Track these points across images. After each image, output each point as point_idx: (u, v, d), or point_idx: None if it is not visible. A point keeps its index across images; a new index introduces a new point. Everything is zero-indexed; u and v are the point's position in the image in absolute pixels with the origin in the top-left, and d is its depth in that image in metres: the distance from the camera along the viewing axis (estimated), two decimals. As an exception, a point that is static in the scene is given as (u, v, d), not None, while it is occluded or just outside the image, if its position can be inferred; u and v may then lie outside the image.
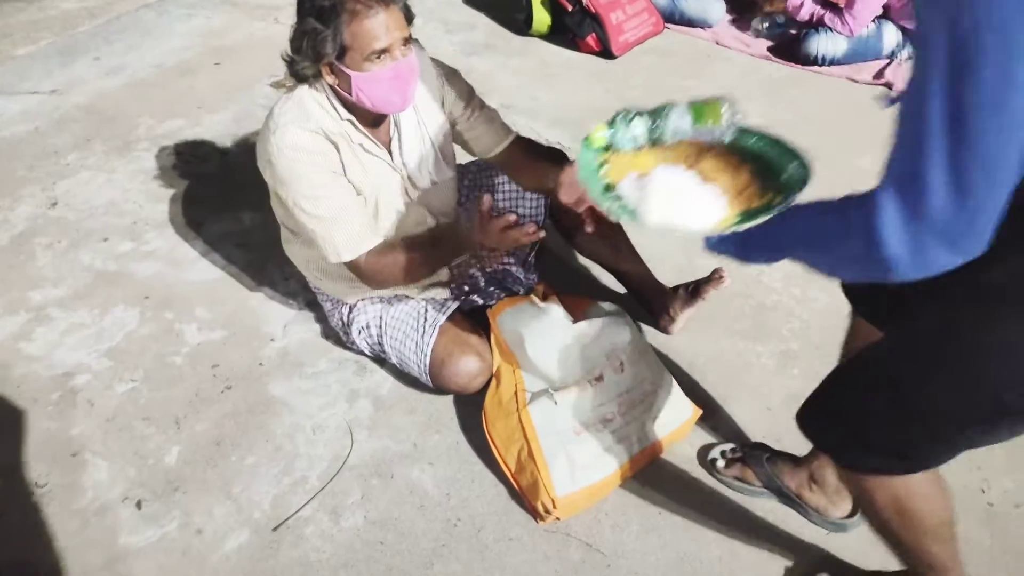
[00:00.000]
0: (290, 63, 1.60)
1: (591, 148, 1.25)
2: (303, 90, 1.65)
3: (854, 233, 0.85)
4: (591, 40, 3.42)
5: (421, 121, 1.78)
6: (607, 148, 1.26)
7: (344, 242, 1.68)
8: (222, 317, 2.18)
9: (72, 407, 1.93)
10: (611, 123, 1.26)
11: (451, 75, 1.83)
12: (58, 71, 3.24)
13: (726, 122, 1.23)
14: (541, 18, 3.51)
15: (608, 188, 1.19)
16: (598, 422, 1.73)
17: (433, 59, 1.81)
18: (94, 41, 3.47)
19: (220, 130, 2.91)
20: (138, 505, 1.72)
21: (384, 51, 1.53)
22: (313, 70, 1.58)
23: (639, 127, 1.26)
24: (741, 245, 1.07)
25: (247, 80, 3.19)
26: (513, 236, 1.53)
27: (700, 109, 1.24)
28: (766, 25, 3.55)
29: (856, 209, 0.85)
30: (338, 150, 1.67)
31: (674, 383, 1.84)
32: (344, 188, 1.68)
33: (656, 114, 1.26)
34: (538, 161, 1.85)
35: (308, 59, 1.56)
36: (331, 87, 1.62)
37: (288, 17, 3.77)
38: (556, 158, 1.89)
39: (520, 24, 3.61)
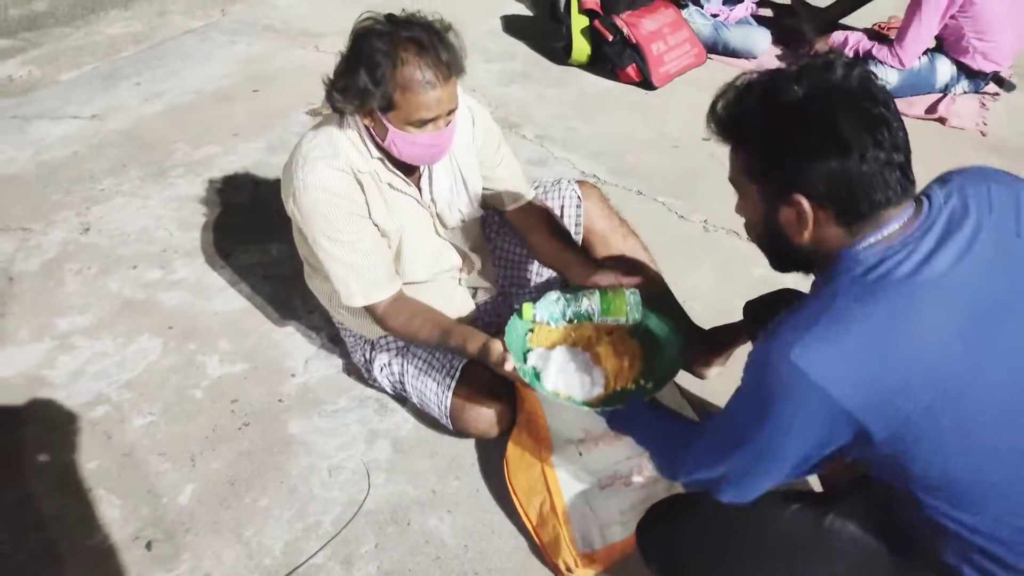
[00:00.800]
0: (329, 94, 1.54)
1: (521, 319, 1.58)
2: (334, 123, 1.61)
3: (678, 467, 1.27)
4: (631, 70, 3.36)
5: (453, 158, 1.73)
6: (534, 320, 1.57)
7: (358, 289, 1.66)
8: (244, 350, 2.14)
9: (90, 440, 1.90)
10: (536, 302, 1.56)
11: (480, 115, 1.78)
12: (99, 96, 3.28)
13: (629, 313, 1.53)
14: (581, 47, 3.46)
15: (527, 352, 1.57)
16: (625, 476, 1.64)
17: (465, 94, 1.75)
18: (136, 67, 3.51)
19: (254, 158, 2.90)
20: (148, 546, 1.67)
21: (430, 121, 1.49)
22: (351, 110, 1.54)
23: (558, 307, 1.56)
24: (620, 427, 1.47)
25: (284, 108, 3.19)
26: (512, 376, 1.53)
27: (609, 300, 1.54)
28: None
29: (683, 455, 1.26)
30: (363, 190, 1.63)
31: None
32: (366, 232, 1.64)
33: (575, 298, 1.55)
34: (548, 237, 1.83)
35: (350, 103, 1.50)
36: (365, 127, 1.58)
37: (329, 45, 3.80)
38: (565, 238, 1.84)
39: (559, 53, 3.57)
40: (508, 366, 1.48)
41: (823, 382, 0.97)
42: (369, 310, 1.69)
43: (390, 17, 1.49)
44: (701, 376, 2.01)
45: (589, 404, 1.49)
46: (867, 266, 1.01)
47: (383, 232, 1.68)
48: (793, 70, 1.04)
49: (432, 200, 1.73)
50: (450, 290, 1.87)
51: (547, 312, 1.56)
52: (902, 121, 1.02)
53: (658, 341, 1.61)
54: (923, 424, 0.98)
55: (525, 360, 1.56)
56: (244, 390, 2.03)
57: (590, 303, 1.54)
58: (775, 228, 1.09)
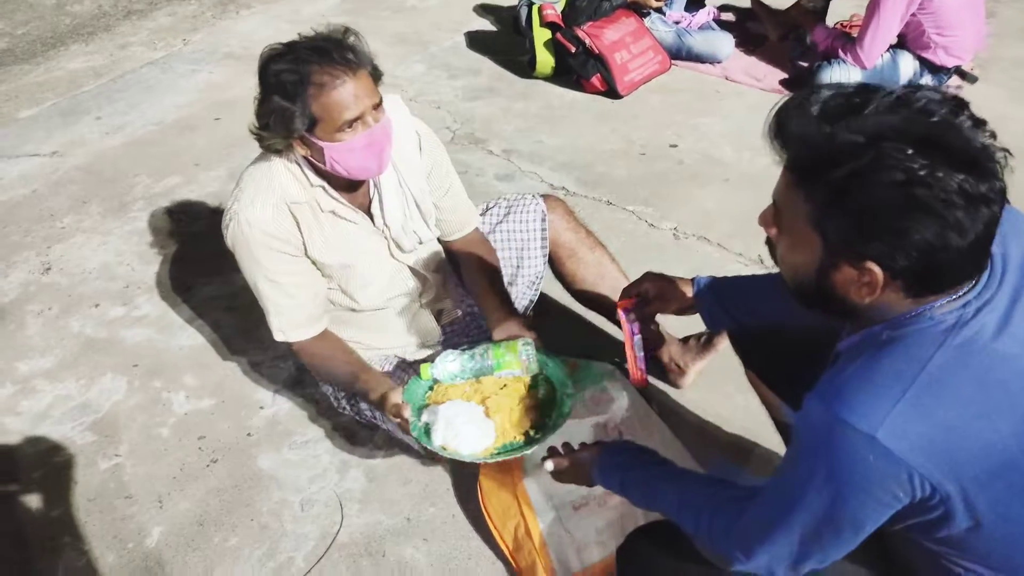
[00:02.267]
0: (259, 139, 1.52)
1: (420, 379, 1.59)
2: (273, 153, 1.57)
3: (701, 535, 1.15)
4: (596, 80, 3.34)
5: (402, 180, 1.69)
6: (433, 380, 1.59)
7: (278, 325, 1.68)
8: (211, 384, 2.09)
9: (54, 487, 1.85)
10: (435, 361, 1.58)
11: (428, 140, 1.75)
12: (59, 132, 3.23)
13: (523, 366, 1.55)
14: (545, 60, 3.45)
15: (422, 408, 1.57)
16: (599, 496, 1.60)
17: (411, 115, 1.73)
18: (96, 101, 3.46)
19: (216, 187, 2.87)
20: (114, 595, 1.62)
21: (356, 120, 1.47)
22: (284, 144, 1.51)
23: (456, 365, 1.57)
24: (621, 490, 1.31)
25: (246, 135, 3.08)
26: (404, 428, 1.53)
27: (501, 354, 1.56)
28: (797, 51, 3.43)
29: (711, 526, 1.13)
30: (299, 225, 1.60)
31: (680, 446, 1.71)
32: (293, 273, 1.63)
33: (471, 356, 1.57)
34: (478, 274, 1.81)
35: (278, 135, 1.48)
36: (303, 157, 1.55)
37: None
38: (494, 281, 1.81)
39: (524, 67, 3.55)
40: (405, 412, 1.49)
41: (920, 466, 0.87)
42: (288, 344, 1.71)
43: (288, 43, 1.47)
44: (677, 385, 1.99)
45: (474, 459, 1.49)
46: (946, 325, 0.91)
47: (320, 266, 1.66)
48: (902, 122, 0.84)
49: (386, 224, 1.69)
50: (412, 314, 1.83)
51: (444, 371, 1.58)
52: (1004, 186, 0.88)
53: (552, 391, 1.60)
54: (1011, 498, 0.92)
55: (419, 416, 1.56)
56: (212, 426, 1.98)
57: (484, 359, 1.57)
58: (827, 282, 0.95)
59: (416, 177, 1.71)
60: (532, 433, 1.53)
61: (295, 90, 1.42)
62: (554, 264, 1.97)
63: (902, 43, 3.16)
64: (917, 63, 3.13)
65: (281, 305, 1.65)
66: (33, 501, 1.81)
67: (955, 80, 3.24)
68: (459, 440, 1.48)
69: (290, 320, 1.67)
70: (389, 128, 1.54)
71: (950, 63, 3.11)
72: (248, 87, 3.46)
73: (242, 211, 1.56)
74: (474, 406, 1.55)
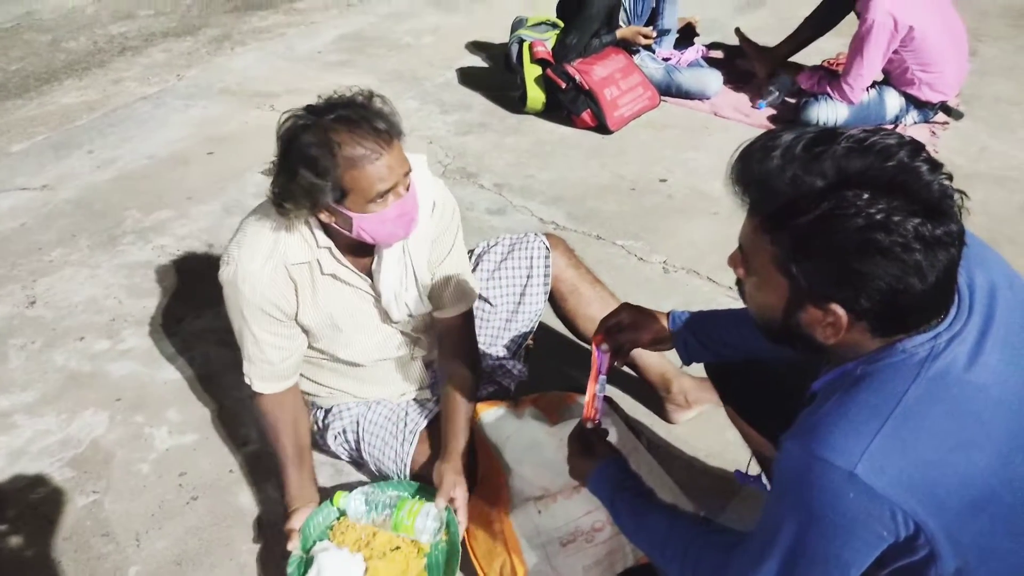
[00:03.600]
0: (278, 207, 1.47)
1: (332, 504, 1.64)
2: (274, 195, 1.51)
3: None
4: (586, 116, 3.37)
5: (407, 248, 1.64)
6: (342, 511, 1.64)
7: (248, 370, 1.67)
8: (195, 420, 2.06)
9: (29, 525, 1.81)
10: (351, 492, 1.64)
11: (443, 202, 1.68)
12: (51, 166, 3.23)
13: (418, 534, 1.57)
14: (535, 96, 3.48)
15: (317, 541, 1.61)
16: (587, 532, 1.57)
17: (432, 181, 1.66)
18: (88, 134, 3.47)
19: (208, 221, 2.86)
20: (88, 637, 1.58)
21: (388, 191, 1.43)
22: (306, 214, 1.47)
23: (363, 506, 1.62)
24: (610, 506, 1.33)
25: (239, 169, 3.16)
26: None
27: (401, 518, 1.58)
28: (774, 90, 3.47)
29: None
30: (296, 291, 1.58)
31: (670, 481, 1.69)
32: (273, 334, 1.61)
33: (377, 505, 1.62)
34: (452, 360, 1.76)
35: (302, 207, 1.43)
36: (322, 223, 1.51)
37: (284, 104, 3.76)
38: (468, 363, 1.77)
39: (515, 102, 3.58)
40: (291, 544, 1.57)
41: (903, 502, 0.86)
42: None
43: (310, 108, 1.42)
44: (671, 420, 1.97)
45: None
46: (919, 358, 0.91)
47: (307, 329, 1.64)
48: (863, 169, 0.85)
49: (379, 292, 1.65)
50: (400, 365, 1.81)
51: (353, 506, 1.63)
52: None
53: (451, 556, 1.59)
54: (996, 533, 0.92)
55: (313, 544, 1.60)
56: (193, 462, 1.95)
57: (385, 512, 1.61)
58: (793, 321, 0.96)
59: (420, 246, 1.65)
60: None
61: (325, 165, 1.36)
62: (555, 300, 1.97)
63: (887, 80, 3.20)
64: (903, 99, 3.17)
65: (253, 356, 1.64)
66: (7, 540, 1.77)
67: (941, 116, 3.28)
68: None
69: (259, 372, 1.66)
70: (416, 193, 1.50)
71: (935, 99, 3.14)
72: (242, 123, 3.52)
73: (241, 263, 1.54)
74: (358, 561, 1.55)
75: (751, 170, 0.92)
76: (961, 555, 0.90)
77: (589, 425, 1.44)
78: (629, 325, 1.50)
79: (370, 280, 1.64)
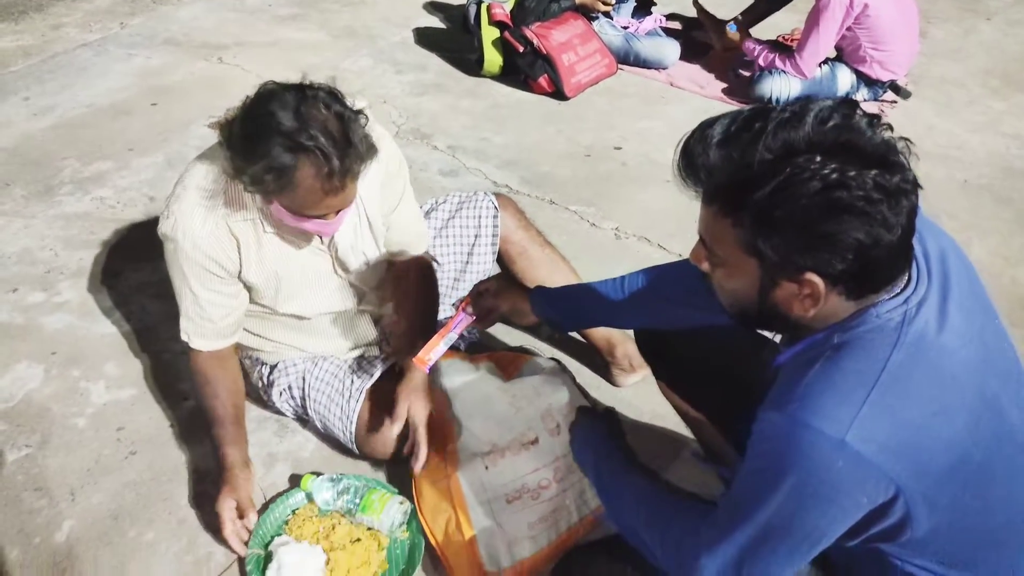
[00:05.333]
0: (231, 161, 1.39)
1: (301, 489, 1.64)
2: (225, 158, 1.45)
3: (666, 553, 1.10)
4: (543, 81, 3.34)
5: (359, 198, 1.58)
6: (310, 495, 1.63)
7: (185, 327, 1.64)
8: (133, 374, 2.01)
9: (-44, 478, 1.74)
10: (319, 477, 1.64)
11: (388, 148, 1.62)
12: (-18, 112, 3.08)
13: (384, 519, 1.58)
14: (493, 59, 3.43)
15: (276, 534, 1.60)
16: (533, 489, 1.58)
17: (381, 132, 1.60)
18: (24, 81, 3.31)
19: (150, 174, 2.76)
20: (18, 591, 1.54)
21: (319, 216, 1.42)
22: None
23: (331, 492, 1.63)
24: (592, 473, 1.33)
25: (183, 121, 3.05)
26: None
27: (369, 501, 1.59)
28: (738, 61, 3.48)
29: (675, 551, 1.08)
30: (239, 247, 1.53)
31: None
32: (212, 291, 1.57)
33: (346, 490, 1.62)
34: (408, 295, 1.78)
35: (241, 181, 1.37)
36: None
37: (232, 57, 3.68)
38: (424, 301, 1.78)
39: (472, 65, 3.54)
40: (248, 519, 1.58)
41: (890, 468, 0.87)
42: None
43: (297, 111, 1.31)
44: (617, 384, 1.98)
45: None
46: (895, 323, 0.92)
47: (252, 286, 1.60)
48: (810, 135, 0.85)
49: (334, 244, 1.63)
50: (348, 320, 1.79)
51: (320, 490, 1.63)
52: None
53: (414, 549, 1.59)
54: (966, 493, 0.93)
55: (271, 540, 1.58)
56: (131, 417, 1.90)
57: (353, 499, 1.61)
58: (769, 302, 0.95)
59: (372, 194, 1.63)
60: None
61: (282, 184, 1.33)
62: (503, 262, 1.95)
63: (840, 56, 3.25)
64: (854, 76, 3.22)
65: (191, 312, 1.60)
66: (-67, 493, 1.71)
67: (890, 95, 3.34)
68: None
69: (196, 329, 1.62)
70: (344, 216, 1.47)
71: (885, 77, 3.20)
72: (188, 74, 3.40)
73: (181, 218, 1.49)
74: (318, 553, 1.54)
75: (697, 161, 0.92)
76: (935, 517, 0.91)
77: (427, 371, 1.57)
78: (494, 293, 1.55)
79: (320, 238, 1.61)
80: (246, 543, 1.57)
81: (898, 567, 1.00)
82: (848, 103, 0.89)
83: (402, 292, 1.79)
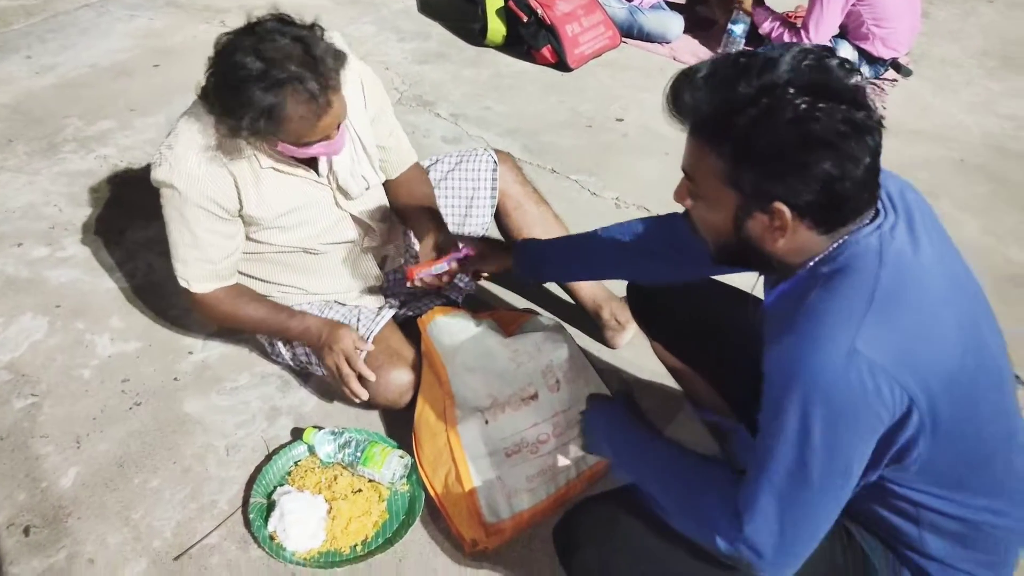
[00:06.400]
0: (219, 118, 1.45)
1: (302, 440, 1.67)
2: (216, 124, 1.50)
3: (703, 522, 1.06)
4: (546, 52, 3.35)
5: (350, 126, 1.66)
6: (312, 448, 1.66)
7: (183, 272, 1.65)
8: (138, 328, 2.03)
9: (-38, 423, 1.77)
10: (321, 430, 1.66)
11: (370, 81, 1.72)
12: (-16, 68, 3.07)
13: (385, 471, 1.60)
14: (496, 28, 3.43)
15: (278, 486, 1.63)
16: (532, 443, 1.62)
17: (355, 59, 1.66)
18: (27, 39, 3.30)
19: (153, 133, 2.77)
20: (25, 532, 1.57)
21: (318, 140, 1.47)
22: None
23: (333, 445, 1.65)
24: (614, 457, 1.31)
25: (186, 83, 2.95)
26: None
27: (371, 452, 1.62)
28: (734, 31, 3.47)
29: (709, 512, 1.04)
30: (236, 185, 1.56)
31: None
32: (211, 232, 1.60)
33: (348, 443, 1.64)
34: (412, 195, 1.85)
35: (232, 129, 1.42)
36: None
37: (235, 20, 3.63)
38: (427, 199, 1.86)
39: (475, 34, 3.53)
40: (362, 347, 1.66)
41: (899, 374, 0.90)
42: (194, 300, 1.70)
43: (257, 51, 1.34)
44: (613, 345, 2.01)
45: (293, 561, 1.51)
46: (875, 247, 0.96)
47: (253, 219, 1.63)
48: (787, 71, 0.91)
49: (332, 172, 1.67)
50: (353, 259, 1.81)
51: (321, 447, 1.65)
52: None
53: (412, 507, 1.62)
54: (959, 413, 0.96)
55: (274, 490, 1.62)
56: (136, 369, 1.92)
57: (355, 453, 1.63)
58: (743, 234, 1.01)
59: (362, 122, 1.69)
60: (359, 549, 1.54)
61: (272, 125, 1.39)
62: (500, 216, 1.98)
63: (842, 33, 3.26)
64: (856, 54, 3.23)
65: (188, 256, 1.63)
66: (-59, 438, 1.74)
67: (891, 73, 3.36)
68: (286, 536, 1.51)
69: (196, 272, 1.65)
70: (345, 132, 1.52)
71: (887, 55, 3.21)
72: (190, 36, 3.39)
73: (176, 160, 1.52)
74: (319, 503, 1.57)
75: (683, 96, 0.98)
76: (938, 434, 0.95)
77: (408, 284, 1.68)
78: (479, 257, 1.66)
79: (316, 171, 1.64)
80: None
81: (896, 491, 1.03)
82: (827, 48, 0.96)
83: (413, 209, 1.84)
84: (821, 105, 0.89)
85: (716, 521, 1.03)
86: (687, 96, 0.97)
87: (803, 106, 0.89)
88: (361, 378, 1.67)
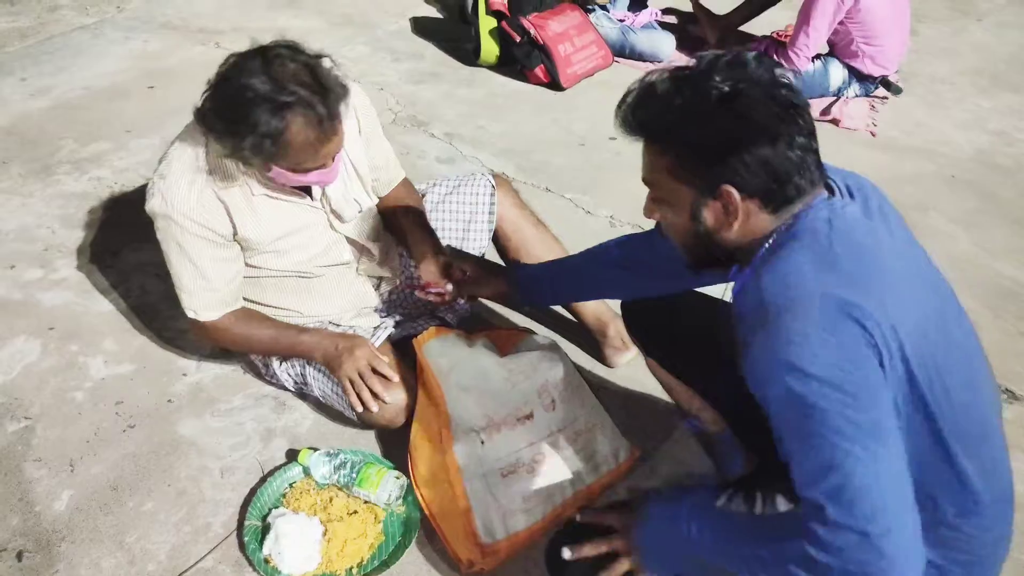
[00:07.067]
0: (215, 139, 1.45)
1: (297, 461, 1.66)
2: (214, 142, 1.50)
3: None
4: (539, 71, 3.37)
5: (344, 150, 1.64)
6: (307, 469, 1.65)
7: (188, 303, 1.66)
8: (132, 350, 2.03)
9: (-45, 448, 1.76)
10: (317, 451, 1.66)
11: (361, 102, 1.73)
12: (-21, 91, 3.08)
13: (381, 492, 1.60)
14: (489, 48, 3.46)
15: (273, 508, 1.62)
16: (527, 463, 1.62)
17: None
18: (22, 62, 3.32)
19: (148, 155, 2.77)
20: (19, 557, 1.55)
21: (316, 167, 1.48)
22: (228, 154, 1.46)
23: (328, 466, 1.64)
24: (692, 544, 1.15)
25: (181, 105, 2.96)
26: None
27: (367, 474, 1.61)
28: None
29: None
30: (228, 213, 1.57)
31: (610, 421, 1.74)
32: (209, 259, 1.61)
33: (343, 464, 1.64)
34: (405, 214, 1.86)
35: (227, 153, 1.44)
36: None
37: (230, 43, 3.68)
38: (418, 216, 1.88)
39: (469, 54, 3.56)
40: (381, 365, 1.64)
41: (872, 309, 0.94)
42: (201, 327, 1.71)
43: (267, 73, 1.35)
44: (611, 364, 2.01)
45: None
46: (824, 217, 1.02)
47: (251, 242, 1.63)
48: (706, 65, 1.03)
49: (325, 196, 1.67)
50: (348, 281, 1.82)
51: (318, 464, 1.65)
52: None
53: (408, 529, 1.61)
54: (928, 363, 1.00)
55: (269, 512, 1.61)
56: (130, 391, 1.92)
57: (350, 474, 1.62)
58: (702, 227, 1.07)
59: (354, 145, 1.69)
60: (355, 571, 1.53)
61: (273, 151, 1.39)
62: (498, 238, 1.99)
63: (832, 52, 3.29)
64: (846, 71, 3.26)
65: (192, 286, 1.63)
66: (-67, 463, 1.73)
67: (880, 91, 3.38)
68: (281, 559, 1.51)
69: (201, 301, 1.65)
70: (340, 162, 1.54)
71: (876, 72, 3.24)
72: (185, 58, 3.41)
73: (168, 191, 1.53)
74: (315, 525, 1.56)
75: (626, 110, 1.09)
76: (913, 386, 0.98)
77: (419, 294, 1.72)
78: (473, 280, 1.70)
79: (309, 195, 1.65)
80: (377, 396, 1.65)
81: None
82: (745, 53, 1.06)
83: (403, 213, 1.86)
84: (742, 86, 0.99)
85: (797, 537, 0.96)
86: (628, 109, 1.08)
87: (726, 88, 0.99)
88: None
